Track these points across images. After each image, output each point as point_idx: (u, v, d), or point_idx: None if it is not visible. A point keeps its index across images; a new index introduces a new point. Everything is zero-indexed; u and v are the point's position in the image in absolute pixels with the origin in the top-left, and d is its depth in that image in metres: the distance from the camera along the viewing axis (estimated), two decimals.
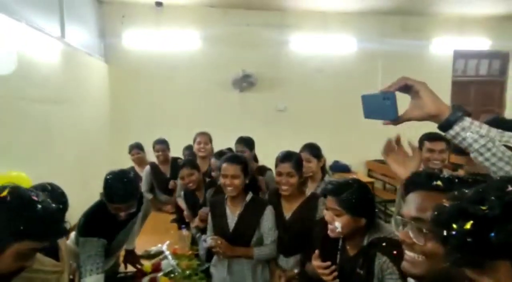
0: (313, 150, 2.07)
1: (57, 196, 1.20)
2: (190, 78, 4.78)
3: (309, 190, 1.97)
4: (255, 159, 2.67)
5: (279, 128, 4.92)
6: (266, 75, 5.01)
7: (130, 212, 1.53)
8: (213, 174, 2.34)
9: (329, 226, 1.23)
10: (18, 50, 2.36)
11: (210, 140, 2.84)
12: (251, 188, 1.76)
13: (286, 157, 1.67)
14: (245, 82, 4.85)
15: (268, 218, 1.67)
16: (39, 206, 0.80)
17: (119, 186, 1.46)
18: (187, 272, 1.93)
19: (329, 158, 4.23)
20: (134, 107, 4.69)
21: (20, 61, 2.37)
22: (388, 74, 5.45)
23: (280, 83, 5.13)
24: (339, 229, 1.19)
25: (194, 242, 2.39)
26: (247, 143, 2.56)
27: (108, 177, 1.50)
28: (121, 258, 1.96)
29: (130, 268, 1.93)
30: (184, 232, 2.36)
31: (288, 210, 1.70)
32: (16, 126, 2.42)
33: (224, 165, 1.67)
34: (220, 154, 2.25)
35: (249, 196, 1.73)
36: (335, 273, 1.20)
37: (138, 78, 4.69)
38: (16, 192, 0.80)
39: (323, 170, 2.13)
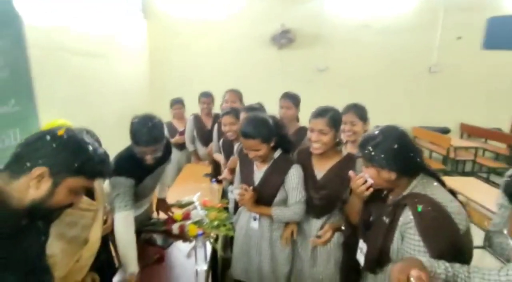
0: (360, 111, 1.86)
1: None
2: (228, 34, 4.62)
3: None
4: (297, 119, 2.53)
5: (319, 89, 4.65)
6: (306, 31, 4.67)
7: (156, 156, 1.55)
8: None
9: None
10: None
11: (240, 99, 2.75)
12: (282, 145, 1.65)
13: (320, 112, 1.51)
14: (284, 39, 4.57)
15: (293, 177, 1.56)
16: (91, 146, 0.85)
17: (144, 129, 1.49)
18: (215, 222, 1.97)
19: (372, 123, 3.95)
20: (171, 64, 4.70)
21: (60, 13, 2.40)
22: (449, 31, 4.78)
23: (321, 40, 4.76)
24: (370, 181, 1.16)
25: (224, 195, 2.44)
26: (293, 98, 2.37)
27: (134, 121, 1.54)
28: (154, 206, 2.04)
29: (162, 216, 2.00)
30: (215, 185, 2.40)
31: (320, 170, 1.57)
32: (56, 78, 2.53)
33: (242, 139, 1.56)
34: (250, 109, 2.17)
35: (277, 153, 1.64)
36: (371, 189, 1.19)
37: (176, 35, 4.64)
38: (71, 131, 0.84)
39: None
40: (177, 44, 4.66)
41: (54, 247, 1.12)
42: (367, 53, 4.79)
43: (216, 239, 1.81)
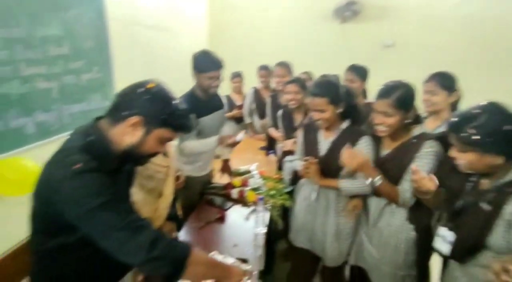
0: (444, 79, 1.64)
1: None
2: (288, 7, 4.46)
3: (430, 129, 1.62)
4: (364, 94, 2.38)
5: (384, 67, 4.28)
6: (373, 3, 4.29)
7: (219, 84, 1.84)
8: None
9: (456, 161, 1.05)
10: None
11: (289, 72, 2.66)
12: (351, 116, 1.56)
13: (384, 93, 1.33)
14: (348, 11, 4.27)
15: (363, 148, 1.47)
16: (176, 101, 0.92)
17: (209, 57, 1.77)
18: (272, 192, 2.00)
19: None
20: (231, 37, 4.72)
21: None
22: None
23: (389, 13, 4.33)
24: (463, 166, 1.02)
25: (280, 167, 2.45)
26: (359, 71, 2.23)
27: (196, 55, 1.80)
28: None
29: (222, 181, 2.09)
30: (272, 157, 2.42)
31: (387, 148, 1.45)
32: (130, 48, 2.72)
33: (309, 99, 1.50)
34: (297, 81, 2.15)
35: (345, 124, 1.56)
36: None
37: (235, 9, 4.63)
38: (161, 86, 0.91)
39: (453, 107, 1.67)
40: (237, 18, 4.66)
41: (137, 196, 1.26)
42: (442, 27, 4.25)
43: (274, 207, 1.84)
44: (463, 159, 0.99)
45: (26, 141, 1.71)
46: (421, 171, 1.16)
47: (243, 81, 3.45)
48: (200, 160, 1.99)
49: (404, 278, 1.44)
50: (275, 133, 2.60)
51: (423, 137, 1.34)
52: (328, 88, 1.47)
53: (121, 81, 2.45)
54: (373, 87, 1.62)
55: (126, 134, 0.87)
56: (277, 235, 2.80)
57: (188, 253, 0.85)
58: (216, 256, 1.23)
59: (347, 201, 1.57)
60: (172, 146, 1.61)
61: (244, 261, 1.30)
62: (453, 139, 1.01)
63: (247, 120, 3.27)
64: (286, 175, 2.21)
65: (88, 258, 0.88)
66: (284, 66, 2.65)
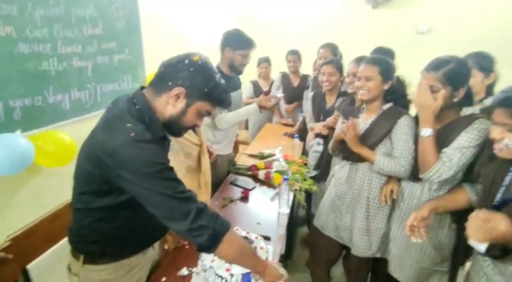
0: (480, 60, 1.53)
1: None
2: None
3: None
4: None
5: (417, 55, 4.07)
6: None
7: (248, 62, 1.89)
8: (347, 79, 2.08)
9: (496, 145, 0.94)
10: None
11: (335, 54, 2.58)
12: (396, 102, 1.49)
13: (434, 66, 1.23)
14: None
15: (402, 127, 1.39)
16: (217, 75, 0.93)
17: (243, 34, 1.82)
18: (297, 175, 1.98)
19: None
20: (259, 21, 4.67)
21: None
22: None
23: None
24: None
25: (304, 152, 2.42)
26: (387, 54, 2.15)
27: (230, 31, 1.84)
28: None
29: (245, 162, 2.11)
30: (297, 141, 2.39)
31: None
32: (159, 32, 2.77)
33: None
34: (334, 62, 2.09)
35: (387, 105, 1.48)
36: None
37: None
38: (205, 59, 0.93)
39: (488, 90, 1.57)
40: (265, 1, 4.59)
41: (180, 174, 1.31)
42: (482, 13, 3.95)
43: (299, 190, 1.83)
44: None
45: (63, 117, 1.80)
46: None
47: (270, 67, 3.41)
48: (226, 138, 2.02)
49: (432, 273, 1.38)
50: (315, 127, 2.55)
51: (473, 117, 1.23)
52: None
53: (151, 64, 2.51)
54: (404, 76, 1.55)
55: (169, 104, 0.89)
56: (298, 220, 2.81)
57: (227, 229, 0.89)
58: (239, 231, 1.24)
59: (380, 188, 1.48)
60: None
61: (266, 238, 1.30)
62: (501, 116, 0.91)
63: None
64: (312, 159, 2.19)
65: (128, 219, 0.92)
66: (330, 47, 2.53)
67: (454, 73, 1.20)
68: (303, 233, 2.69)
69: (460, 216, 1.23)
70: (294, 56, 3.06)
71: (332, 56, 2.42)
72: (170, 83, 0.88)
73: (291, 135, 2.50)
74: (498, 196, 0.98)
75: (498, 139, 0.92)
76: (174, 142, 1.35)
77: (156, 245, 1.10)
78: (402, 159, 1.37)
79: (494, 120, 0.93)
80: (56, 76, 1.74)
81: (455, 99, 1.22)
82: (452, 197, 1.21)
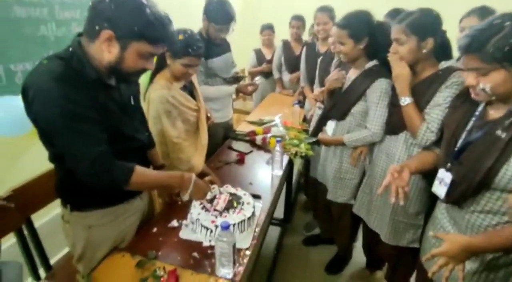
0: (485, 14, 1.48)
1: (193, 41, 1.35)
2: None
3: None
4: None
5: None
6: None
7: (226, 35, 1.88)
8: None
9: (472, 91, 0.92)
10: None
11: (333, 19, 2.47)
12: (380, 55, 1.43)
13: (400, 18, 1.22)
14: None
15: (375, 90, 1.42)
16: (149, 9, 0.81)
17: (223, 6, 1.75)
18: (295, 140, 1.99)
19: None
20: None
21: None
22: None
23: None
24: (488, 91, 0.87)
25: (305, 119, 2.41)
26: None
27: (210, 0, 1.78)
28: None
29: (245, 129, 2.12)
30: (297, 108, 2.37)
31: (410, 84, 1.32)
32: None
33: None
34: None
35: (370, 63, 1.48)
36: None
37: None
38: None
39: None
40: None
41: (181, 137, 1.42)
42: None
43: (295, 154, 1.85)
44: (487, 81, 0.85)
45: None
46: None
47: (273, 35, 3.30)
48: (222, 107, 2.03)
49: (407, 227, 1.41)
50: (307, 91, 2.53)
51: (451, 70, 1.20)
52: (350, 21, 1.41)
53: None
54: None
55: (104, 51, 0.82)
56: (300, 187, 2.86)
57: (129, 175, 0.88)
58: (229, 189, 1.29)
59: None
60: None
61: (256, 196, 1.34)
62: (471, 61, 0.87)
63: (276, 75, 3.18)
64: (313, 125, 2.18)
65: None
66: (327, 11, 2.39)
67: (418, 23, 1.17)
68: (304, 200, 2.75)
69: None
70: (298, 22, 2.92)
71: (330, 21, 2.31)
72: (97, 27, 0.79)
73: (293, 103, 2.48)
74: (460, 142, 1.00)
75: (473, 85, 0.90)
76: (172, 108, 1.39)
77: (144, 196, 1.16)
78: (372, 123, 1.44)
79: (466, 67, 0.90)
80: (55, 41, 1.76)
81: (424, 50, 1.19)
82: (422, 157, 1.20)
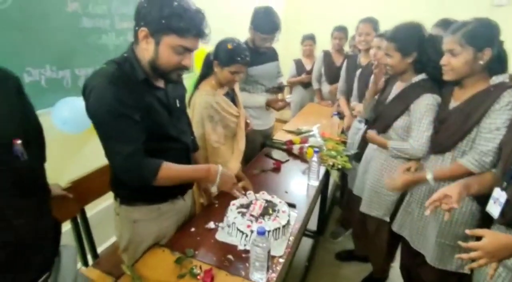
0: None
1: (241, 49, 1.45)
2: None
3: None
4: None
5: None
6: None
7: (271, 44, 1.92)
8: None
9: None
10: None
11: (375, 30, 2.41)
12: (429, 69, 1.40)
13: (455, 28, 1.16)
14: None
15: (420, 105, 1.35)
16: (176, 2, 0.85)
17: (268, 19, 1.79)
18: (332, 152, 1.96)
19: None
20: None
21: None
22: None
23: None
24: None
25: (343, 131, 2.37)
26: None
27: (257, 10, 1.83)
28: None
29: (282, 137, 2.14)
30: (336, 119, 2.35)
31: (457, 99, 1.26)
32: (208, 10, 2.84)
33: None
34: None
35: (418, 77, 1.43)
36: None
37: None
38: None
39: None
40: None
41: (220, 142, 1.49)
42: None
43: (332, 166, 1.82)
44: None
45: None
46: None
47: (315, 45, 3.31)
48: (262, 115, 2.08)
49: (456, 250, 1.30)
50: (343, 104, 2.50)
51: (504, 87, 1.11)
52: (399, 34, 1.38)
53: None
54: None
55: (145, 49, 0.89)
56: (335, 201, 2.80)
57: (156, 172, 0.93)
58: (265, 195, 1.31)
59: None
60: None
61: (291, 205, 1.34)
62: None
63: (315, 85, 3.17)
64: (352, 137, 2.14)
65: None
66: (370, 22, 2.34)
67: (475, 33, 1.11)
68: (339, 213, 2.68)
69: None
70: (341, 33, 2.90)
71: (373, 31, 2.26)
72: (136, 28, 0.87)
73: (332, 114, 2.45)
74: None
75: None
76: (215, 113, 1.46)
77: (188, 198, 1.22)
78: (415, 139, 1.37)
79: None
80: (113, 50, 1.94)
81: (480, 62, 1.12)
82: (481, 178, 1.12)
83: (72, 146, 1.82)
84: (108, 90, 0.85)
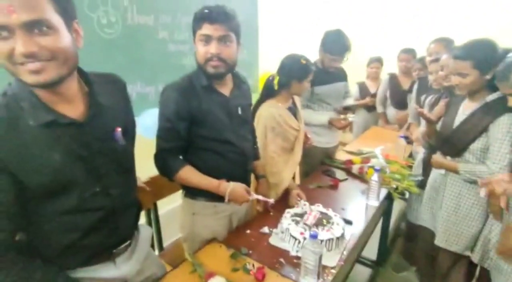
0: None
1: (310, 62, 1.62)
2: None
3: None
4: None
5: None
6: None
7: (340, 63, 1.98)
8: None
9: None
10: None
11: (449, 49, 2.26)
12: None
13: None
14: None
15: (501, 126, 1.24)
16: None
17: (340, 37, 1.86)
18: (397, 175, 1.86)
19: None
20: (369, 16, 4.48)
21: None
22: None
23: None
24: None
25: (411, 155, 2.23)
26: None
27: (329, 32, 1.91)
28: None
29: (343, 157, 2.11)
30: (402, 141, 2.23)
31: None
32: (274, 35, 3.04)
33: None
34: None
35: (493, 96, 1.33)
36: None
37: None
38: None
39: None
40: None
41: (276, 152, 1.56)
42: None
43: (396, 189, 1.73)
44: None
45: None
46: None
47: (381, 67, 3.24)
48: (324, 133, 2.09)
49: None
50: (415, 129, 2.37)
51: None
52: (474, 50, 1.29)
53: (265, 62, 2.82)
54: None
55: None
56: (399, 232, 2.57)
57: (176, 171, 1.09)
58: (320, 208, 1.31)
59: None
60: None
61: (347, 221, 1.32)
62: None
63: (380, 109, 3.06)
64: (418, 164, 2.01)
65: (200, 161, 1.15)
66: (443, 41, 2.23)
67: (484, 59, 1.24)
68: (401, 244, 2.45)
69: None
70: (408, 55, 2.80)
71: (446, 51, 2.14)
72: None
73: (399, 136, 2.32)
74: None
75: None
76: (277, 125, 1.54)
77: (244, 205, 1.28)
78: (493, 161, 1.26)
79: None
80: (190, 69, 2.19)
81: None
82: None
83: (152, 149, 2.08)
84: (171, 95, 1.07)
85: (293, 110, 1.67)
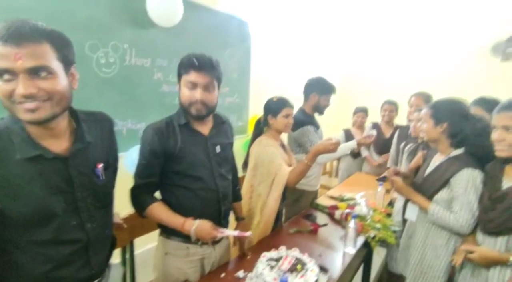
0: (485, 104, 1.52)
1: (284, 98, 1.77)
2: (437, 42, 4.20)
3: None
4: None
5: None
6: None
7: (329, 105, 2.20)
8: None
9: None
10: None
11: (427, 103, 2.44)
12: (471, 148, 1.39)
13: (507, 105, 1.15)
14: (510, 47, 3.66)
15: (461, 181, 1.32)
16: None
17: (326, 80, 2.13)
18: (377, 224, 1.88)
19: None
20: (363, 73, 4.82)
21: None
22: None
23: None
24: None
25: (391, 203, 2.27)
26: (489, 105, 1.91)
27: (317, 78, 2.17)
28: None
29: (327, 203, 2.14)
30: (381, 190, 2.28)
31: (510, 180, 1.20)
32: (265, 81, 3.22)
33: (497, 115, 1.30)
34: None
35: (458, 151, 1.42)
36: None
37: (365, 41, 4.73)
38: None
39: None
40: (368, 50, 4.70)
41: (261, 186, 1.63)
42: None
43: (373, 238, 1.74)
44: None
45: None
46: None
47: (366, 117, 3.42)
48: (313, 174, 2.16)
49: None
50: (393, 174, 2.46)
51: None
52: (437, 103, 1.48)
53: (255, 106, 2.95)
54: None
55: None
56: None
57: (145, 207, 1.14)
58: (296, 253, 1.31)
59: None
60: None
61: (323, 269, 1.31)
62: None
63: (364, 153, 3.19)
64: (397, 212, 2.04)
65: (175, 198, 1.18)
66: (422, 95, 2.45)
67: None
68: None
69: None
70: (391, 106, 3.02)
71: (424, 104, 2.31)
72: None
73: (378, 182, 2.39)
74: None
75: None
76: (277, 149, 1.66)
77: (219, 247, 1.28)
78: (459, 213, 1.31)
79: None
80: None
81: None
82: None
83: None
84: (146, 136, 1.14)
85: (283, 148, 1.78)
